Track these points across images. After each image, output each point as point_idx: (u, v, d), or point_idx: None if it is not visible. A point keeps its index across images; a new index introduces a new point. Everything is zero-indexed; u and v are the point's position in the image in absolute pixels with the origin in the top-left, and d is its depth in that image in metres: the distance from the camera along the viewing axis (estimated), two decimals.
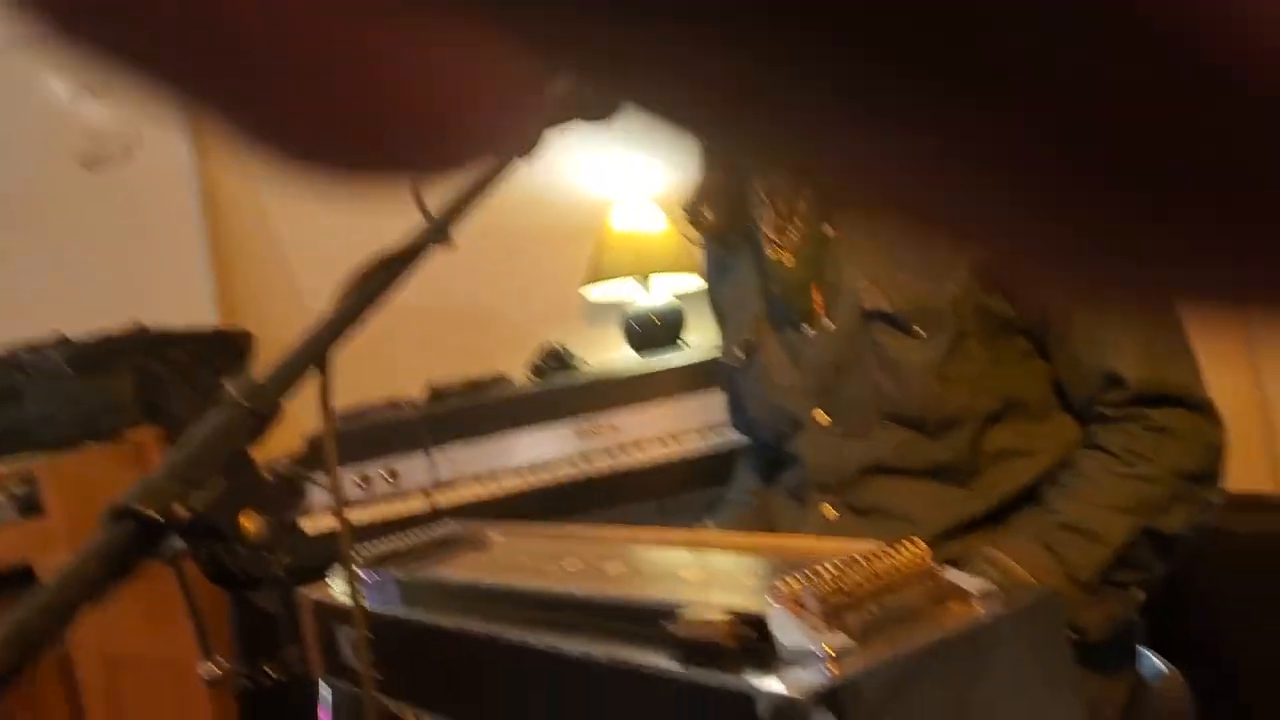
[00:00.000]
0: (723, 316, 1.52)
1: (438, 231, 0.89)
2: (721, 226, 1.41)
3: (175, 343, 2.55)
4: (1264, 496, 1.90)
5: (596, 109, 1.14)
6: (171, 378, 2.46)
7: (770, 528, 1.43)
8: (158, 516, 0.53)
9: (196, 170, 2.85)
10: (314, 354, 0.70)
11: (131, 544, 0.53)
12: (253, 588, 0.59)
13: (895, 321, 1.21)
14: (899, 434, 1.23)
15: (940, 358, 1.19)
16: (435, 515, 2.13)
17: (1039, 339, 1.22)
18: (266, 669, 0.55)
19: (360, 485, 2.25)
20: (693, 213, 1.44)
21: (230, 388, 0.62)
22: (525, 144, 1.02)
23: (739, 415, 1.55)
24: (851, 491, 1.27)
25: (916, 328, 1.20)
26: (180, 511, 0.54)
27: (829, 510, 1.29)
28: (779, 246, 1.31)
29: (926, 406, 1.20)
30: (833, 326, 1.28)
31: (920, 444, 1.22)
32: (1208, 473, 1.15)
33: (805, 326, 1.32)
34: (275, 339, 2.83)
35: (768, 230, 1.32)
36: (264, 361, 2.81)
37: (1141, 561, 1.13)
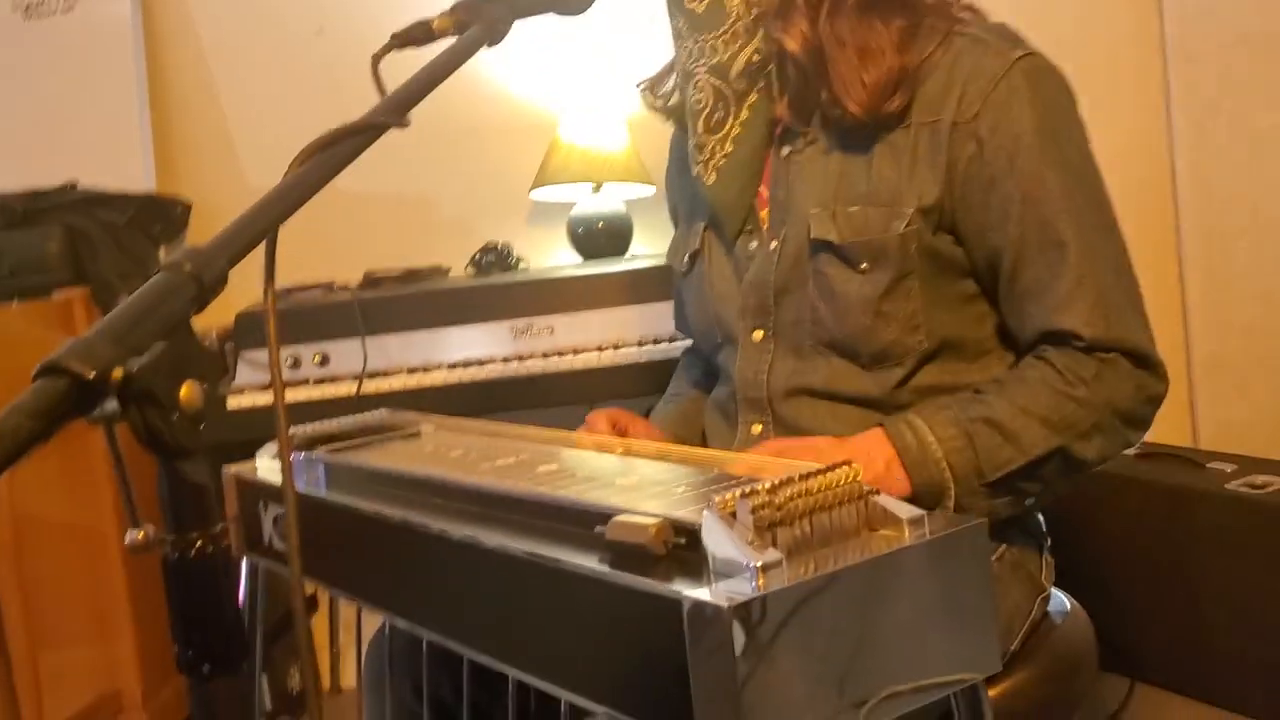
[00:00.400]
0: (678, 218, 1.52)
1: (394, 112, 0.86)
2: (669, 107, 1.40)
3: (109, 204, 2.49)
4: (1176, 449, 1.96)
5: (571, 2, 1.12)
6: (102, 239, 2.40)
7: (700, 433, 1.44)
8: (93, 376, 0.52)
9: (141, 30, 2.74)
10: (262, 226, 0.69)
11: (63, 402, 0.51)
12: (185, 457, 0.58)
13: (840, 253, 1.21)
14: (832, 361, 1.24)
15: (879, 293, 1.19)
16: (364, 401, 2.12)
17: (987, 285, 1.23)
18: (196, 540, 0.55)
19: (291, 366, 2.23)
20: (646, 88, 1.43)
21: (176, 252, 0.61)
22: (494, 31, 1.00)
23: (681, 318, 1.55)
24: (778, 410, 1.28)
25: (862, 262, 1.20)
26: (117, 374, 0.53)
27: (755, 427, 1.30)
28: (700, 163, 1.30)
29: (860, 339, 1.21)
30: (775, 246, 1.27)
31: (852, 373, 1.23)
32: (1138, 416, 1.17)
33: (751, 243, 1.31)
34: (212, 208, 2.77)
35: (691, 145, 1.31)
36: (199, 231, 2.76)
37: (1046, 477, 1.16)
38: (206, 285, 0.61)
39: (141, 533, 0.59)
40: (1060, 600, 1.33)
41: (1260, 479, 1.76)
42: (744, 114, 1.27)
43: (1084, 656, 1.32)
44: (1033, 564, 1.27)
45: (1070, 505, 1.36)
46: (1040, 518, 1.33)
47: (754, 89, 1.26)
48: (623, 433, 1.34)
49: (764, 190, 1.31)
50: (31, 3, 2.77)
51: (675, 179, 1.52)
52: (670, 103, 1.39)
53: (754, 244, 1.31)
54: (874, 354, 1.22)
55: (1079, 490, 1.23)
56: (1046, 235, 1.16)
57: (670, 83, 1.39)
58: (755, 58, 1.25)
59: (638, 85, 1.45)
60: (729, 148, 1.28)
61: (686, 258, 1.41)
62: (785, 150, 1.28)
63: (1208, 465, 1.87)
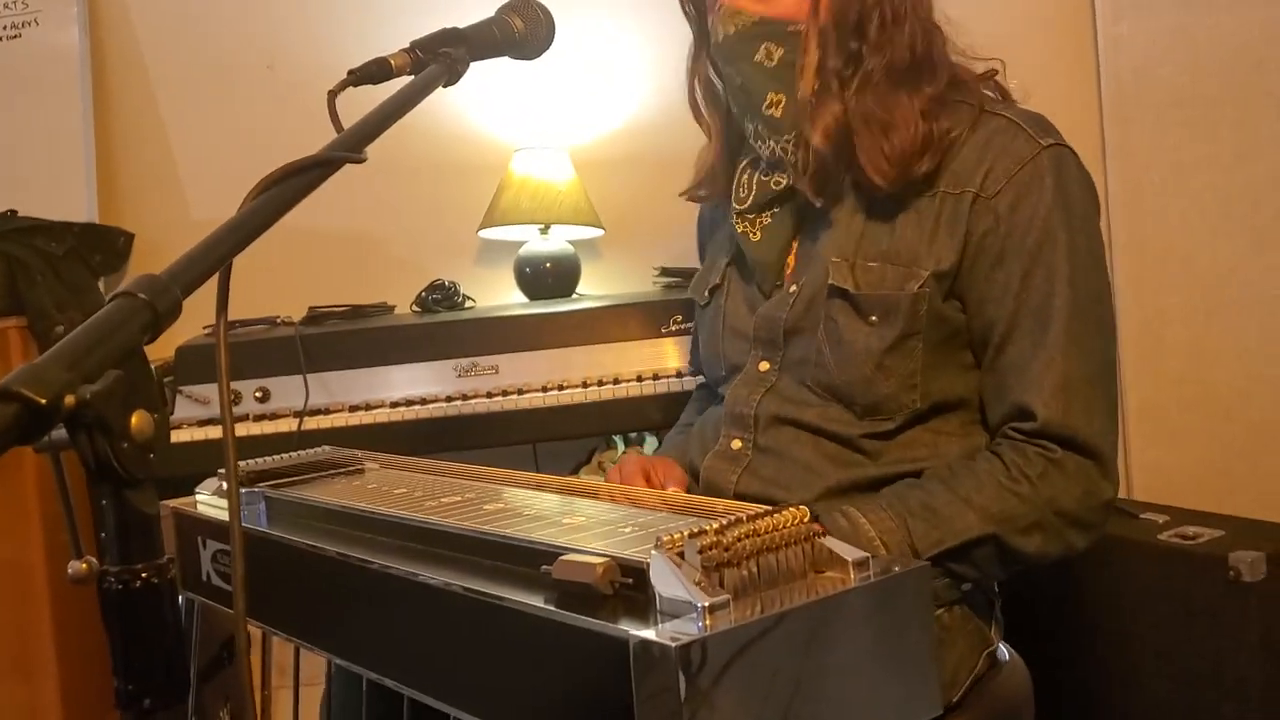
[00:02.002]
0: (704, 258, 1.57)
1: (351, 147, 0.87)
2: (715, 199, 1.48)
3: (48, 232, 2.45)
4: (1119, 502, 2.00)
5: (526, 48, 1.14)
6: (41, 268, 2.37)
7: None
8: (44, 403, 0.51)
9: (88, 59, 2.72)
10: (215, 258, 0.68)
11: (12, 428, 0.51)
12: (134, 486, 0.57)
13: (854, 302, 1.25)
14: (829, 405, 1.28)
15: (884, 347, 1.23)
16: (305, 438, 2.10)
17: (978, 353, 1.27)
18: (142, 573, 0.54)
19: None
20: (692, 193, 1.50)
21: (131, 281, 0.60)
22: (452, 71, 1.01)
23: (695, 353, 1.63)
24: (762, 431, 1.31)
25: (872, 314, 1.24)
26: (69, 401, 0.52)
27: (735, 442, 1.33)
28: (746, 222, 1.36)
29: (858, 388, 1.25)
30: (795, 290, 1.31)
31: (843, 419, 1.27)
32: (1083, 519, 1.21)
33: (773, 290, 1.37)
34: (154, 240, 2.74)
35: (738, 208, 1.36)
36: (141, 262, 2.72)
37: (980, 563, 1.20)
38: (160, 313, 0.60)
39: (84, 564, 0.58)
40: (1002, 651, 1.35)
41: (1191, 530, 1.80)
42: (791, 194, 1.33)
43: (1021, 707, 1.33)
44: (983, 620, 1.30)
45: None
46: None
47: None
48: (659, 484, 1.33)
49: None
50: None
51: (706, 217, 1.59)
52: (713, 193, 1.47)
53: (778, 286, 1.36)
54: (868, 405, 1.25)
55: None
56: (1038, 317, 1.21)
57: (711, 180, 1.46)
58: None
59: (682, 195, 1.52)
60: (773, 215, 1.35)
61: (707, 291, 1.47)
62: (819, 202, 1.31)
63: (1141, 516, 1.90)
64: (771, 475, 1.29)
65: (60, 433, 0.55)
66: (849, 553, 0.74)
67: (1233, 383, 2.60)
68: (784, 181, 1.31)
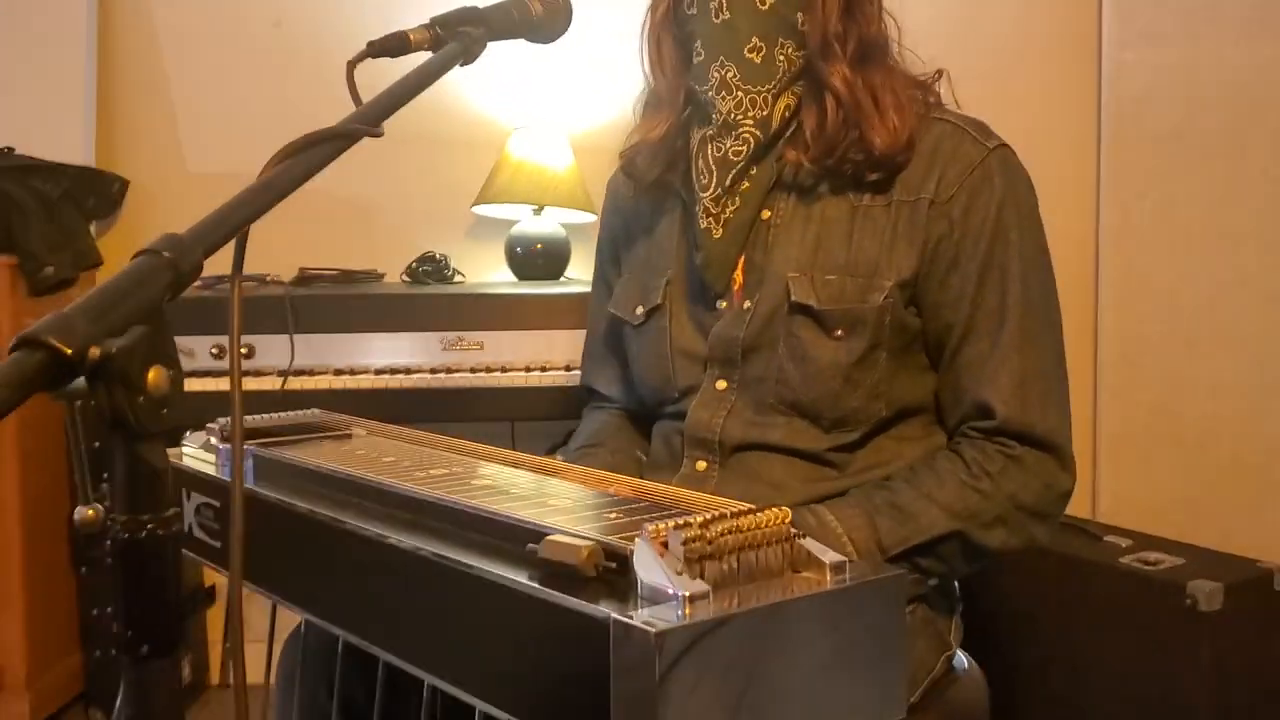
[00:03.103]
0: (619, 270, 1.51)
1: (370, 121, 0.88)
2: (654, 180, 1.40)
3: (44, 173, 2.45)
4: (1076, 520, 2.03)
5: (543, 31, 1.15)
6: (35, 208, 2.36)
7: (627, 473, 1.46)
8: (70, 353, 0.53)
9: (95, 4, 2.71)
10: (238, 220, 0.70)
11: (38, 375, 0.52)
12: (146, 440, 0.59)
13: (817, 318, 1.26)
14: (793, 421, 1.28)
15: (851, 360, 1.25)
16: (288, 398, 2.11)
17: (934, 355, 1.29)
18: (148, 523, 0.55)
19: (214, 354, 2.22)
20: (629, 159, 1.43)
21: (155, 240, 0.62)
22: (470, 50, 1.02)
23: (602, 368, 1.56)
24: (728, 454, 1.32)
25: (837, 329, 1.25)
26: (94, 353, 0.54)
27: (700, 464, 1.33)
28: (712, 216, 1.31)
29: (825, 403, 1.26)
30: (748, 306, 1.31)
31: (810, 433, 1.28)
32: (1042, 511, 1.25)
33: (720, 301, 1.34)
34: (149, 189, 2.75)
35: (706, 199, 1.31)
36: (133, 210, 2.72)
37: (946, 558, 1.23)
38: (183, 273, 0.62)
39: (91, 510, 0.59)
40: (960, 659, 1.38)
41: (1153, 555, 1.84)
42: (755, 171, 1.30)
43: (976, 714, 1.36)
44: (943, 624, 1.33)
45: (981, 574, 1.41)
46: (956, 583, 1.38)
47: (779, 141, 1.30)
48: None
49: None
50: None
51: (619, 230, 1.52)
52: (654, 176, 1.40)
53: (723, 303, 1.34)
54: (836, 418, 1.27)
55: None
56: (992, 318, 1.24)
57: (652, 152, 1.39)
58: (787, 113, 1.29)
59: (620, 155, 1.45)
60: (738, 203, 1.30)
61: (642, 310, 1.41)
62: (766, 215, 1.32)
63: (1104, 538, 1.94)
64: (739, 495, 1.25)
65: (79, 382, 0.56)
66: (827, 555, 0.76)
67: (1205, 415, 2.64)
68: (743, 150, 1.28)
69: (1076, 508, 2.65)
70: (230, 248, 0.75)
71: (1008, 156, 1.28)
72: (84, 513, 0.60)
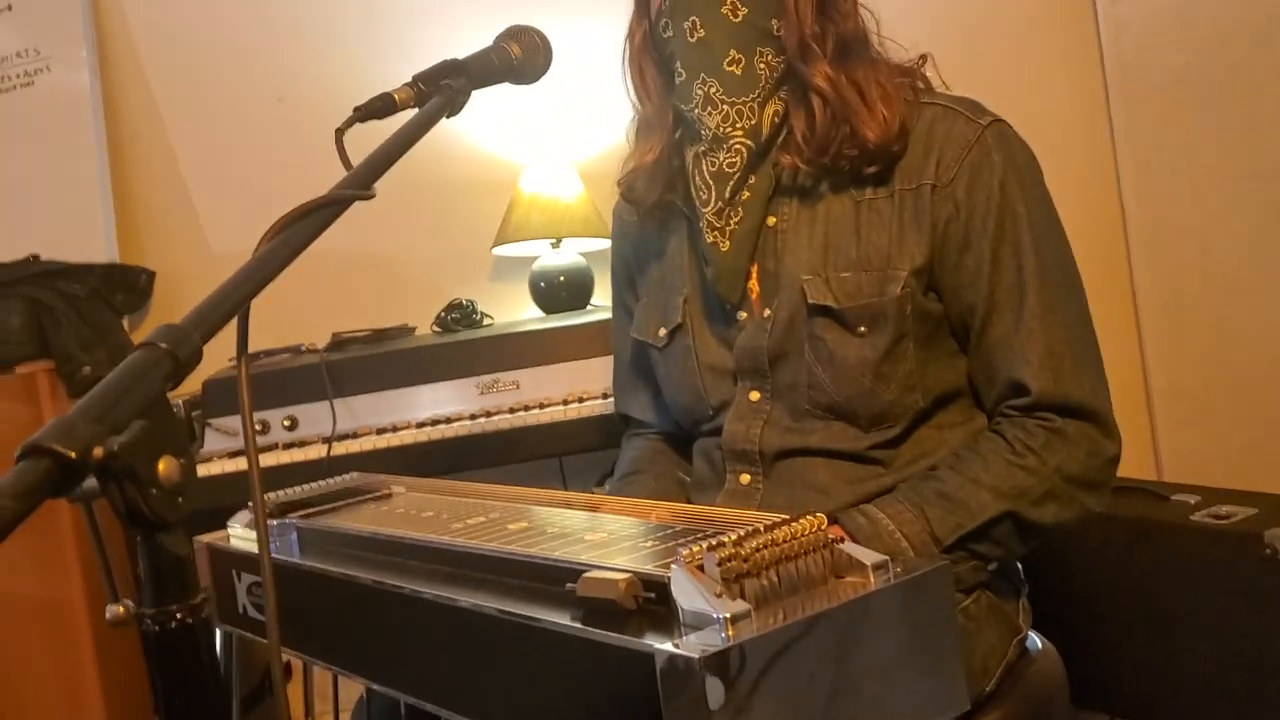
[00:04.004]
0: (636, 295, 1.51)
1: (360, 184, 0.89)
2: (654, 202, 1.40)
3: (70, 275, 2.49)
4: (1140, 483, 2.00)
5: (525, 74, 1.16)
6: (65, 311, 2.40)
7: (671, 497, 1.45)
8: (75, 456, 0.53)
9: (100, 101, 2.76)
10: (234, 301, 0.70)
11: (45, 482, 0.53)
12: (165, 530, 0.59)
13: (838, 317, 1.25)
14: (831, 425, 1.27)
15: (878, 356, 1.24)
16: (334, 464, 2.12)
17: (961, 339, 1.28)
18: (176, 613, 0.56)
19: (259, 431, 2.23)
20: (627, 185, 1.43)
21: (152, 331, 0.62)
22: (454, 102, 1.03)
23: (635, 395, 1.55)
24: (770, 464, 1.31)
25: (860, 326, 1.24)
26: (98, 453, 0.54)
27: (744, 476, 1.33)
28: (716, 230, 1.30)
29: (860, 402, 1.25)
30: (768, 314, 1.30)
31: (849, 434, 1.27)
32: (1091, 480, 1.23)
33: (739, 313, 1.33)
34: (175, 276, 2.78)
35: (708, 214, 1.30)
36: (163, 299, 2.76)
37: (1001, 540, 1.21)
38: (182, 361, 0.62)
39: (121, 607, 0.60)
40: (1033, 640, 1.36)
41: (1224, 509, 1.79)
42: (753, 180, 1.29)
43: (1056, 694, 1.34)
44: (1010, 607, 1.30)
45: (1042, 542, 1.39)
46: (1019, 564, 1.36)
47: (773, 148, 1.29)
48: None
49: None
50: None
51: (630, 256, 1.52)
52: (654, 198, 1.39)
53: (743, 314, 1.33)
54: (873, 416, 1.25)
55: None
56: (1012, 294, 1.23)
57: (649, 176, 1.39)
58: (777, 118, 1.29)
59: (618, 183, 1.46)
60: (740, 213, 1.30)
61: (665, 331, 1.41)
62: (772, 221, 1.31)
63: (1172, 498, 1.90)
64: (785, 504, 1.27)
65: (91, 483, 0.57)
66: (868, 556, 0.75)
67: (1256, 360, 2.59)
68: (737, 162, 1.27)
69: (1140, 470, 2.64)
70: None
71: (1003, 130, 1.27)
72: (114, 610, 0.60)
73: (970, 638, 1.22)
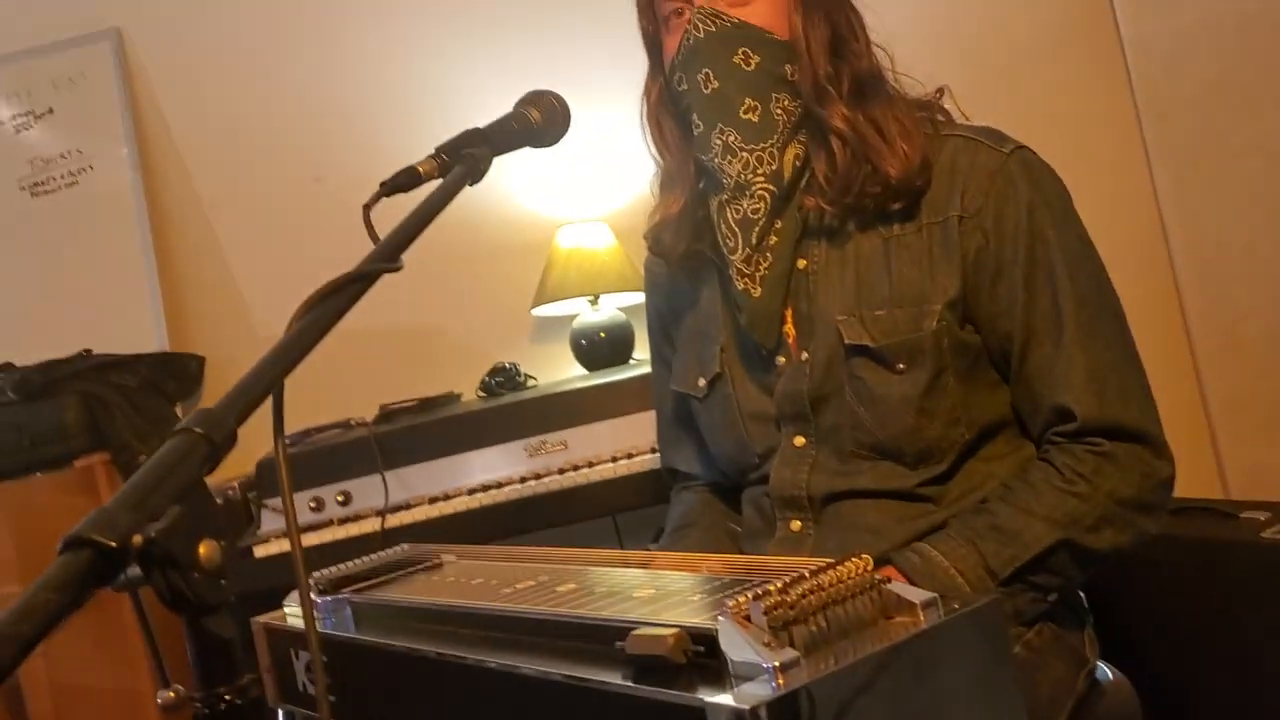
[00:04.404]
0: (673, 346, 1.51)
1: (387, 257, 0.90)
2: (683, 253, 1.41)
3: (122, 367, 2.53)
4: (1207, 502, 1.95)
5: (545, 137, 1.17)
6: (119, 402, 2.45)
7: (723, 548, 1.44)
8: (115, 545, 0.54)
9: (143, 195, 2.83)
10: (267, 382, 0.71)
11: (88, 573, 0.53)
12: (209, 613, 0.59)
13: (877, 356, 1.24)
14: (878, 465, 1.26)
15: (919, 392, 1.23)
16: (390, 536, 2.13)
17: (1001, 369, 1.27)
18: (224, 695, 0.56)
19: (313, 508, 2.25)
20: (654, 238, 1.45)
21: (187, 417, 0.63)
22: (476, 170, 1.04)
23: (680, 448, 1.55)
24: (819, 509, 1.30)
25: (899, 363, 1.23)
26: (137, 540, 0.55)
27: (795, 523, 1.32)
28: (746, 276, 1.30)
29: (905, 440, 1.24)
30: (806, 357, 1.30)
31: (896, 472, 1.26)
32: (1146, 502, 1.21)
33: (777, 357, 1.33)
34: (225, 361, 2.82)
35: (737, 261, 1.30)
36: (215, 383, 2.80)
37: (1059, 569, 1.19)
38: (217, 445, 0.63)
39: (172, 692, 0.60)
40: (1103, 671, 1.33)
41: None
42: (779, 225, 1.29)
43: None
44: (1075, 639, 1.28)
45: (1102, 569, 1.36)
46: (1081, 594, 1.33)
47: (796, 191, 1.30)
48: None
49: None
50: (37, 181, 2.86)
51: (664, 309, 1.53)
52: (682, 249, 1.40)
53: (781, 359, 1.33)
54: (919, 452, 1.24)
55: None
56: (1048, 319, 1.22)
57: (675, 228, 1.40)
58: (798, 162, 1.29)
59: (645, 237, 1.47)
60: (769, 258, 1.30)
61: (704, 381, 1.41)
62: (802, 264, 1.31)
63: (1241, 515, 1.85)
64: (838, 548, 1.25)
65: (136, 570, 0.57)
66: (916, 595, 0.74)
67: None
68: (761, 208, 1.28)
69: (1206, 489, 2.58)
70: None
71: (1026, 157, 1.26)
72: (166, 695, 0.60)
73: (1035, 671, 1.20)
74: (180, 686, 0.61)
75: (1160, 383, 1.25)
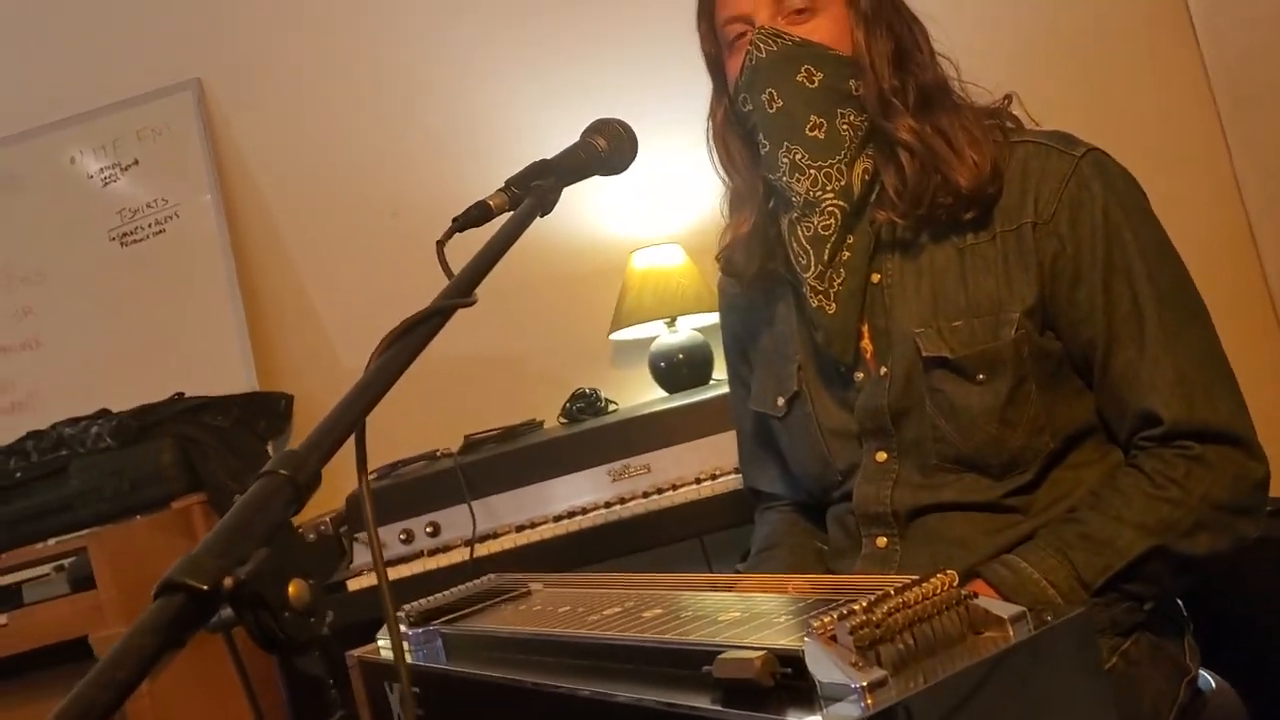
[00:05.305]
0: (750, 366, 1.51)
1: (460, 293, 0.91)
2: (755, 272, 1.41)
3: (214, 408, 2.60)
4: None
5: (612, 165, 1.18)
6: (212, 443, 2.51)
7: (809, 568, 1.43)
8: (206, 589, 0.55)
9: (228, 239, 2.90)
10: (349, 420, 0.73)
11: (182, 616, 0.55)
12: (300, 652, 0.61)
13: (956, 368, 1.23)
14: (963, 478, 1.25)
15: (1001, 402, 1.21)
16: (479, 565, 2.14)
17: (1085, 375, 1.25)
18: None
19: (403, 540, 2.27)
20: (726, 259, 1.45)
21: (272, 459, 0.65)
22: (545, 201, 1.05)
23: (762, 468, 1.54)
24: (905, 525, 1.28)
25: (979, 374, 1.22)
26: (228, 583, 0.56)
27: (880, 540, 1.30)
28: (820, 293, 1.30)
29: (989, 451, 1.22)
30: (885, 371, 1.29)
31: (982, 484, 1.24)
32: (1242, 505, 1.17)
33: (855, 373, 1.32)
34: (313, 397, 2.88)
35: (810, 278, 1.30)
36: (304, 420, 2.86)
37: (1154, 577, 1.16)
38: (301, 487, 0.65)
39: None
40: (1206, 680, 1.29)
41: None
42: (851, 240, 1.29)
43: None
44: (1173, 647, 1.25)
45: (1202, 575, 1.33)
46: (1179, 601, 1.30)
47: (867, 206, 1.29)
48: None
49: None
50: (126, 231, 2.95)
51: (740, 329, 1.53)
52: (755, 269, 1.40)
53: (859, 374, 1.32)
54: (1004, 463, 1.23)
55: None
56: (1130, 322, 1.20)
57: (747, 247, 1.40)
58: (867, 176, 1.29)
59: (716, 258, 1.47)
60: (843, 274, 1.29)
61: (783, 401, 1.40)
62: (876, 278, 1.30)
63: None
64: (926, 563, 1.24)
65: (228, 612, 0.59)
66: (1004, 609, 0.73)
67: None
68: (831, 224, 1.27)
69: None
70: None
71: (1099, 159, 1.24)
72: None
73: (1134, 683, 1.17)
74: None
75: (1252, 383, 1.22)
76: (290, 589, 0.60)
